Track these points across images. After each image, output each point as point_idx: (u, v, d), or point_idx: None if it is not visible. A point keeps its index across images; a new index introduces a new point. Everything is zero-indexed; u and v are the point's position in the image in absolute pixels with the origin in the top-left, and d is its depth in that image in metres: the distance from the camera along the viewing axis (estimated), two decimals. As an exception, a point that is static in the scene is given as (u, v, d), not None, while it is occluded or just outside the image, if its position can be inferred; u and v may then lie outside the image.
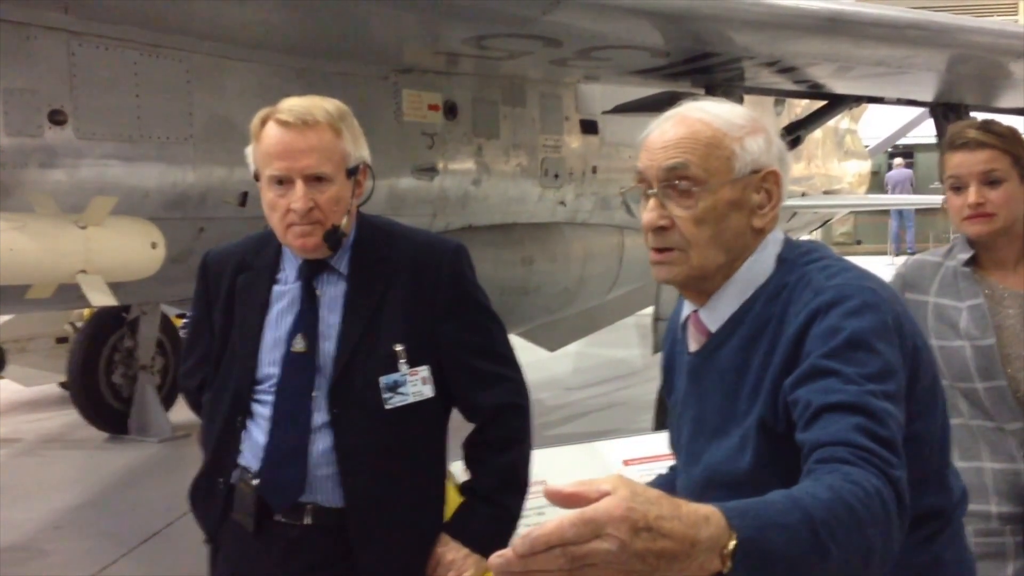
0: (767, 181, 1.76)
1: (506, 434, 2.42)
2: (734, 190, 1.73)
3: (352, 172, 2.31)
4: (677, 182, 1.72)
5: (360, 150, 2.33)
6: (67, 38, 4.60)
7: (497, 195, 7.10)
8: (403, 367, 2.32)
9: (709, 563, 1.22)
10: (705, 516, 1.23)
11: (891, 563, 1.45)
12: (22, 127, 4.47)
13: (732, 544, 1.24)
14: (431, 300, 2.36)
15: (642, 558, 1.16)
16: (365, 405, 2.30)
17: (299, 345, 2.32)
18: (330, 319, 2.34)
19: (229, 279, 2.43)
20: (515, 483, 2.42)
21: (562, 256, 7.66)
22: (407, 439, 2.34)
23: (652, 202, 1.75)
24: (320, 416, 2.30)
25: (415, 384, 2.32)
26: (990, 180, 2.60)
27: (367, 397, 2.30)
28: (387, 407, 2.30)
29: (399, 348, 2.32)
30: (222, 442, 2.39)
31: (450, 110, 6.65)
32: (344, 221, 2.32)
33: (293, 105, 2.26)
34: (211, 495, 2.41)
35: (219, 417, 2.40)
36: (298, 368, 2.32)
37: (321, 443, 2.29)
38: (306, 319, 2.34)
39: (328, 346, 2.32)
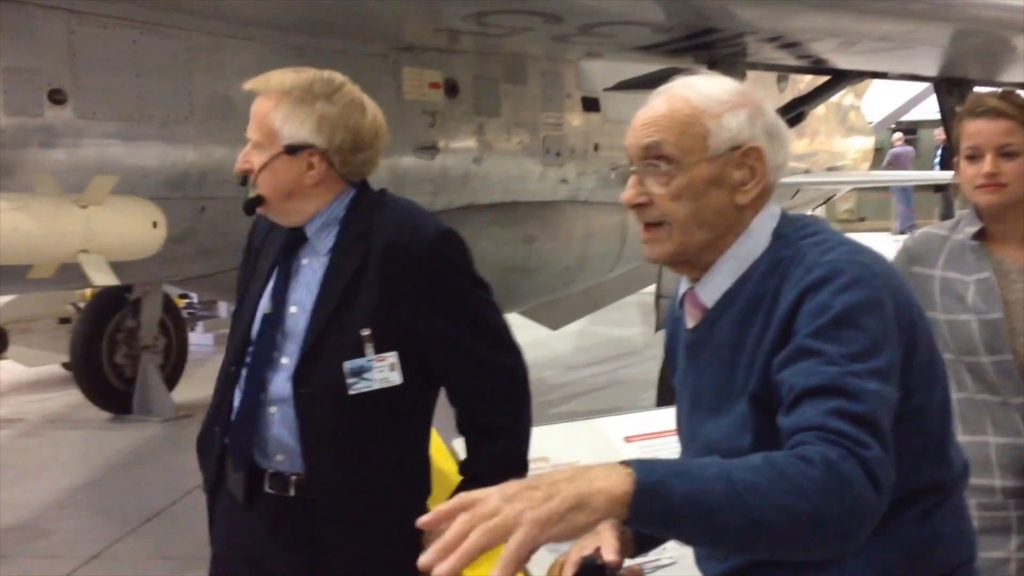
0: (749, 157, 1.73)
1: (504, 415, 2.38)
2: (711, 167, 1.71)
3: (292, 150, 2.29)
4: (653, 160, 1.72)
5: (300, 130, 2.28)
6: (67, 17, 4.59)
7: (498, 173, 7.07)
8: (369, 352, 2.25)
9: (612, 508, 1.35)
10: (596, 467, 1.38)
11: (862, 538, 1.45)
12: (22, 107, 4.46)
13: (631, 488, 1.35)
14: (403, 285, 2.28)
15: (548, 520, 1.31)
16: (329, 388, 2.26)
17: (267, 307, 2.35)
18: (306, 298, 2.32)
19: (261, 238, 2.49)
20: (515, 463, 2.36)
21: (564, 235, 7.64)
22: (373, 424, 2.28)
23: (632, 179, 1.75)
24: (285, 391, 2.28)
25: (382, 370, 2.25)
26: (1006, 152, 2.60)
27: (331, 380, 2.25)
28: (350, 392, 2.25)
29: (366, 333, 2.25)
30: (221, 390, 2.41)
31: (451, 88, 6.62)
32: (268, 192, 2.32)
33: (271, 72, 2.35)
34: (209, 443, 2.43)
35: (223, 369, 2.43)
36: (267, 330, 2.34)
37: (288, 418, 2.28)
38: (278, 284, 2.35)
39: (302, 320, 2.31)
